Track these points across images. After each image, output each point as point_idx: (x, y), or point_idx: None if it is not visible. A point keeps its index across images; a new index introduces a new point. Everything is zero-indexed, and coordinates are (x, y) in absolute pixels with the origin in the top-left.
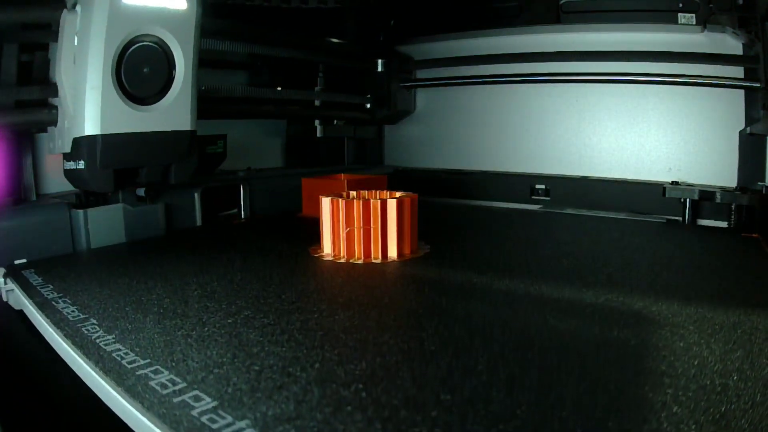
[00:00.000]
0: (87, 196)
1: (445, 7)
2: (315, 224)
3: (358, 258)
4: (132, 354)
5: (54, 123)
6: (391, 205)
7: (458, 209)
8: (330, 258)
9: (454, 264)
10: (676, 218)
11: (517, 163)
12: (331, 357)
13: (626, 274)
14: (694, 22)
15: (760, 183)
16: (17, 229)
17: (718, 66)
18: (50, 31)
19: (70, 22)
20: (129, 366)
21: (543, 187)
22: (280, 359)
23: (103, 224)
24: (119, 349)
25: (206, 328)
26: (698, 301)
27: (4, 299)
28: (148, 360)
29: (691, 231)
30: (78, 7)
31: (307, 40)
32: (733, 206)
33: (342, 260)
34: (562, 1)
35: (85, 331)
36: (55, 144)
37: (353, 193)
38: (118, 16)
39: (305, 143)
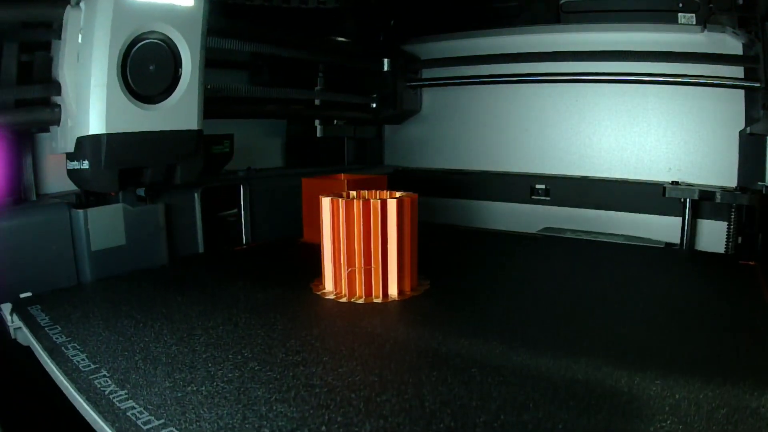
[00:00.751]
0: (87, 195)
1: (445, 7)
2: (316, 252)
3: (359, 297)
4: (146, 413)
5: (57, 122)
6: (391, 205)
7: (460, 232)
8: (332, 296)
9: (453, 306)
10: (674, 242)
11: (517, 163)
12: (336, 419)
13: (617, 331)
14: (694, 22)
15: (760, 183)
16: (17, 229)
17: (718, 66)
18: (53, 29)
19: (73, 19)
20: (145, 427)
21: (543, 186)
22: (288, 420)
23: (103, 224)
24: (133, 407)
25: (215, 383)
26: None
27: (12, 336)
28: (163, 420)
29: (688, 260)
30: (82, 4)
31: (308, 39)
32: (733, 206)
33: (343, 299)
34: (562, 1)
35: (98, 385)
36: (58, 143)
37: (353, 193)
38: (124, 12)
39: (305, 143)
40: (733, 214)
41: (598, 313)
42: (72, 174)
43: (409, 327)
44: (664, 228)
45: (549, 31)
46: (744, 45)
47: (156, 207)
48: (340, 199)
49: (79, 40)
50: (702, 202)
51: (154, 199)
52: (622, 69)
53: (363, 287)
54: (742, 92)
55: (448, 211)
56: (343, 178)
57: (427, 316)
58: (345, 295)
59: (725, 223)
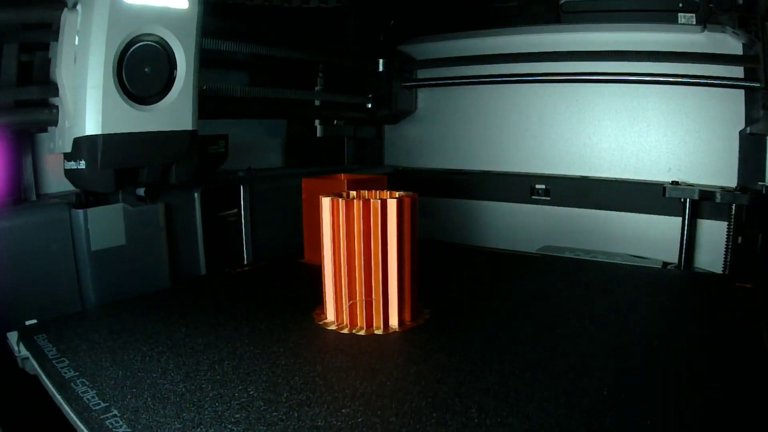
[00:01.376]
0: (87, 195)
1: (445, 7)
2: (317, 274)
3: (360, 328)
4: None
5: (54, 123)
6: (391, 205)
7: (458, 251)
8: (333, 327)
9: (452, 339)
10: (671, 261)
11: (517, 163)
12: None
13: (614, 366)
14: (694, 22)
15: (760, 183)
16: (17, 229)
17: (718, 66)
18: (50, 31)
19: (70, 22)
20: None
21: (543, 187)
22: None
23: (103, 224)
24: None
25: (222, 424)
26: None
27: (20, 366)
28: None
29: (683, 283)
30: (79, 6)
31: (307, 40)
32: (733, 206)
33: (345, 330)
34: (562, 1)
35: (109, 425)
36: (56, 144)
37: (353, 193)
38: (120, 15)
39: (305, 143)
40: (733, 214)
41: (596, 345)
42: (69, 174)
43: (409, 362)
44: (664, 228)
45: (549, 31)
46: (744, 45)
47: (156, 207)
48: (340, 199)
49: (76, 42)
50: (702, 202)
51: (154, 199)
52: (622, 69)
53: (364, 318)
54: (742, 92)
55: (448, 211)
56: (343, 178)
57: (427, 351)
58: (347, 326)
59: (725, 223)
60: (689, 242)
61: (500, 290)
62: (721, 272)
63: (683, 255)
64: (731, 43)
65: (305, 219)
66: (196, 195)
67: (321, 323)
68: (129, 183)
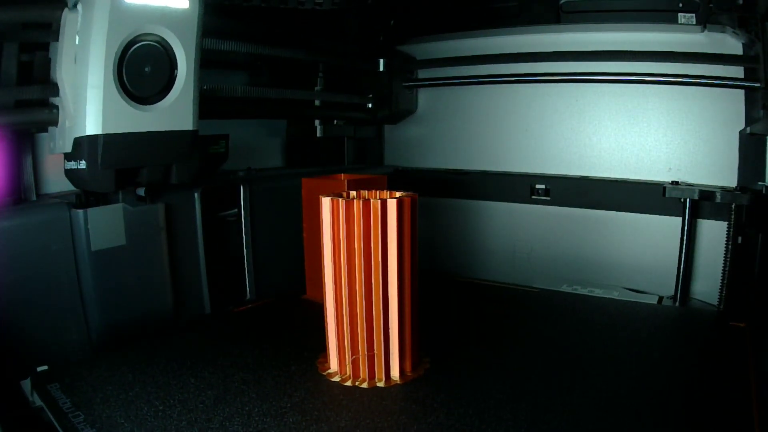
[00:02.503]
0: (87, 195)
1: (445, 7)
2: (319, 312)
3: (363, 380)
4: None
5: (55, 123)
6: (391, 205)
7: (455, 285)
8: (337, 378)
9: (452, 391)
10: (669, 296)
11: (517, 162)
12: None
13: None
14: (694, 22)
15: (760, 183)
16: (17, 229)
17: (718, 66)
18: (51, 31)
19: (71, 21)
20: None
21: (543, 186)
22: None
23: (104, 224)
24: None
25: None
26: None
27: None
28: None
29: (677, 321)
30: (79, 6)
31: (307, 40)
32: (733, 206)
33: (348, 382)
34: (562, 1)
35: None
36: (56, 144)
37: (353, 193)
38: (120, 15)
39: (305, 143)
40: (733, 214)
41: (593, 397)
42: (69, 174)
43: (411, 419)
44: (664, 228)
45: (549, 31)
46: (744, 45)
47: (156, 207)
48: (340, 199)
49: (76, 42)
50: (702, 202)
51: (154, 199)
52: (622, 69)
53: (367, 371)
54: (742, 92)
55: (448, 211)
56: (343, 178)
57: (427, 408)
58: (350, 377)
59: (725, 223)
60: (689, 243)
61: (499, 332)
62: (721, 273)
63: (683, 256)
64: (731, 43)
65: (305, 200)
66: (196, 195)
67: (325, 373)
68: (129, 183)
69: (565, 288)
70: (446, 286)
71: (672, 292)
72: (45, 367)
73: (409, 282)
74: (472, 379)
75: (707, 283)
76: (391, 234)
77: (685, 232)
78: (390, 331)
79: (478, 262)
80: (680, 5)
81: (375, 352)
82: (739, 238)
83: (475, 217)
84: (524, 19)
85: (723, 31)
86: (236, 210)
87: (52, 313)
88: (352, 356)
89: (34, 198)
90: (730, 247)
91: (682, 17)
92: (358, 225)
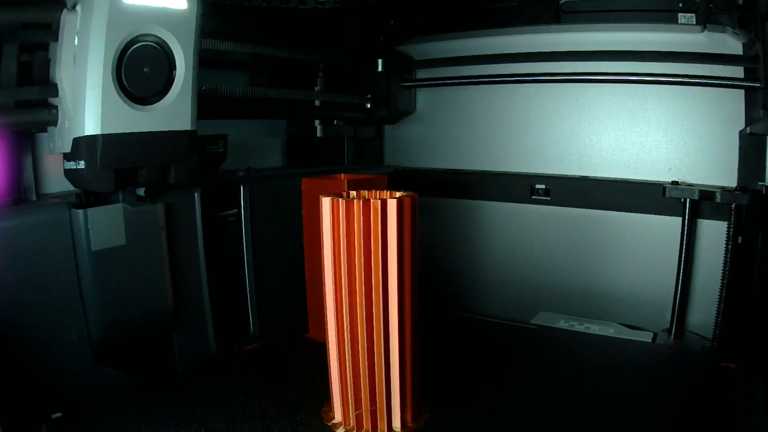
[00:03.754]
0: (87, 195)
1: (445, 7)
2: (322, 351)
3: (366, 431)
4: None
5: (54, 123)
6: (391, 205)
7: (453, 323)
8: (342, 429)
9: None
10: (664, 329)
11: (517, 163)
12: None
13: None
14: (694, 22)
15: (760, 183)
16: (17, 229)
17: (718, 66)
18: (50, 31)
19: (70, 22)
20: None
21: (543, 186)
22: None
23: (104, 224)
24: None
25: None
26: None
27: None
28: None
29: (669, 361)
30: (78, 7)
31: (307, 40)
32: (733, 206)
33: None
34: (562, 1)
35: None
36: (55, 144)
37: (353, 193)
38: (119, 15)
39: (305, 143)
40: (733, 214)
41: None
42: (69, 174)
43: None
44: (664, 228)
45: (549, 31)
46: (744, 45)
47: (156, 207)
48: (341, 199)
49: (75, 43)
50: (702, 202)
51: (154, 199)
52: (622, 69)
53: (370, 423)
54: (742, 92)
55: (448, 211)
56: (343, 178)
57: None
58: (354, 429)
59: (725, 223)
60: (689, 243)
61: (497, 375)
62: (721, 274)
63: (683, 255)
64: (731, 43)
65: (305, 201)
66: (196, 195)
67: (330, 424)
68: (128, 183)
69: (562, 324)
70: (443, 323)
71: (671, 293)
72: (59, 414)
73: (409, 286)
74: (471, 428)
75: (707, 285)
76: (391, 234)
77: (685, 232)
78: (391, 380)
79: (478, 262)
80: (680, 5)
81: (378, 406)
82: (739, 238)
83: (475, 217)
84: (524, 19)
85: (723, 31)
86: (236, 210)
87: (52, 313)
88: (356, 411)
89: (34, 198)
90: (730, 247)
91: (682, 17)
92: (358, 225)
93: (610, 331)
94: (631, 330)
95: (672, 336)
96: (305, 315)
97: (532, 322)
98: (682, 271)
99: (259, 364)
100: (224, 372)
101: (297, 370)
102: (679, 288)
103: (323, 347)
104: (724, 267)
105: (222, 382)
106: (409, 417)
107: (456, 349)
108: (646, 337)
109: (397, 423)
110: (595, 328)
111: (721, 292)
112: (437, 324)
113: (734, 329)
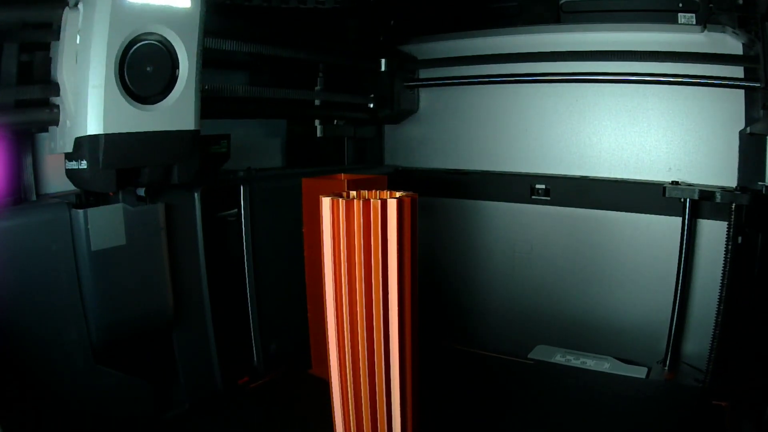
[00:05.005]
0: (87, 195)
1: (446, 7)
2: (325, 390)
3: None
4: None
5: (55, 122)
6: (391, 205)
7: (449, 355)
8: None
9: None
10: (659, 360)
11: (517, 162)
12: None
13: None
14: (694, 22)
15: (760, 183)
16: (17, 229)
17: (718, 66)
18: (51, 30)
19: (72, 21)
20: None
21: (543, 186)
22: None
23: (104, 224)
24: None
25: None
26: None
27: None
28: None
29: (659, 399)
30: (80, 5)
31: (308, 40)
32: (733, 206)
33: None
34: (562, 1)
35: None
36: (57, 144)
37: (353, 193)
38: (121, 14)
39: (305, 143)
40: (733, 214)
41: None
42: (70, 174)
43: None
44: (664, 228)
45: (549, 31)
46: (744, 45)
47: (156, 207)
48: (341, 199)
49: (77, 42)
50: (702, 202)
51: (154, 199)
52: (622, 69)
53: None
54: (742, 92)
55: (448, 211)
56: (343, 178)
57: None
58: None
59: (725, 223)
60: (689, 245)
61: (493, 411)
62: (721, 275)
63: (683, 255)
64: (731, 43)
65: (305, 201)
66: (196, 195)
67: None
68: (130, 183)
69: (558, 358)
70: (440, 357)
71: (671, 292)
72: None
73: (409, 286)
74: None
75: (707, 285)
76: (391, 234)
77: (685, 232)
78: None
79: (478, 262)
80: (680, 5)
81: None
82: (739, 238)
83: (475, 217)
84: (524, 19)
85: (723, 31)
86: (236, 210)
87: (52, 313)
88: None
89: (34, 198)
90: (730, 246)
91: (682, 17)
92: (358, 225)
93: (606, 366)
94: (625, 365)
95: (666, 368)
96: (307, 332)
97: (529, 356)
98: (682, 271)
99: (263, 408)
100: (229, 416)
101: (301, 412)
102: (679, 289)
103: (326, 385)
104: (724, 267)
105: (228, 426)
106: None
107: (453, 385)
108: (640, 372)
109: None
110: (590, 363)
111: (718, 308)
112: (433, 358)
113: (727, 363)
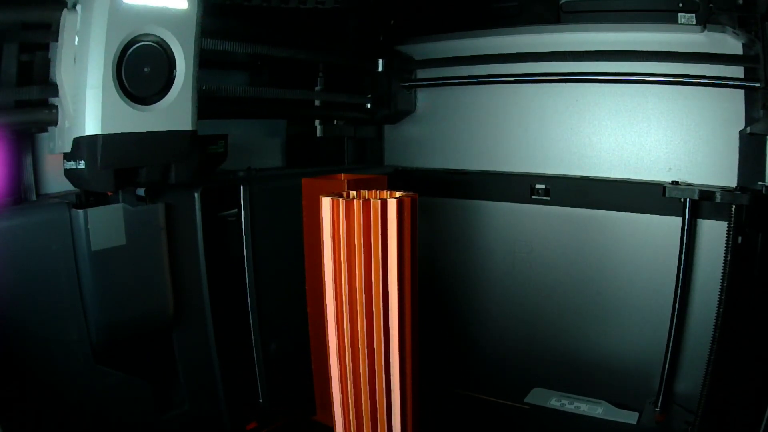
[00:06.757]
0: (87, 195)
1: (445, 7)
2: None
3: None
4: None
5: (54, 123)
6: (391, 205)
7: (446, 397)
8: None
9: None
10: (651, 400)
11: (517, 162)
12: None
13: None
14: (694, 22)
15: (760, 183)
16: (17, 229)
17: (718, 66)
18: (50, 31)
19: (70, 22)
20: None
21: (543, 186)
22: None
23: (104, 224)
24: None
25: None
26: None
27: None
28: None
29: None
30: (78, 7)
31: (307, 40)
32: (733, 206)
33: None
34: (562, 1)
35: None
36: (56, 144)
37: (353, 193)
38: (119, 15)
39: (305, 143)
40: (733, 214)
41: None
42: (69, 174)
43: None
44: (664, 228)
45: (549, 31)
46: (744, 45)
47: (156, 207)
48: (341, 199)
49: (76, 43)
50: (702, 202)
51: (154, 199)
52: (622, 69)
53: None
54: (742, 92)
55: (448, 211)
56: (343, 178)
57: None
58: None
59: (725, 223)
60: (689, 245)
61: None
62: (721, 275)
63: (683, 255)
64: (731, 43)
65: (305, 202)
66: (196, 195)
67: None
68: (128, 183)
69: (553, 403)
70: (438, 403)
71: (671, 292)
72: None
73: (409, 286)
74: None
75: (707, 285)
76: (391, 234)
77: (685, 232)
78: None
79: (478, 262)
80: (680, 5)
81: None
82: (739, 238)
83: (475, 217)
84: (524, 19)
85: (723, 31)
86: (236, 210)
87: (52, 313)
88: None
89: (34, 198)
90: (730, 247)
91: (682, 17)
92: (358, 225)
93: (598, 411)
94: (617, 410)
95: (658, 409)
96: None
97: (525, 400)
98: (682, 270)
99: None
100: None
101: None
102: (679, 289)
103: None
104: (724, 267)
105: None
106: None
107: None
108: (631, 418)
109: None
110: (584, 408)
111: (718, 309)
112: (432, 404)
113: (718, 404)
